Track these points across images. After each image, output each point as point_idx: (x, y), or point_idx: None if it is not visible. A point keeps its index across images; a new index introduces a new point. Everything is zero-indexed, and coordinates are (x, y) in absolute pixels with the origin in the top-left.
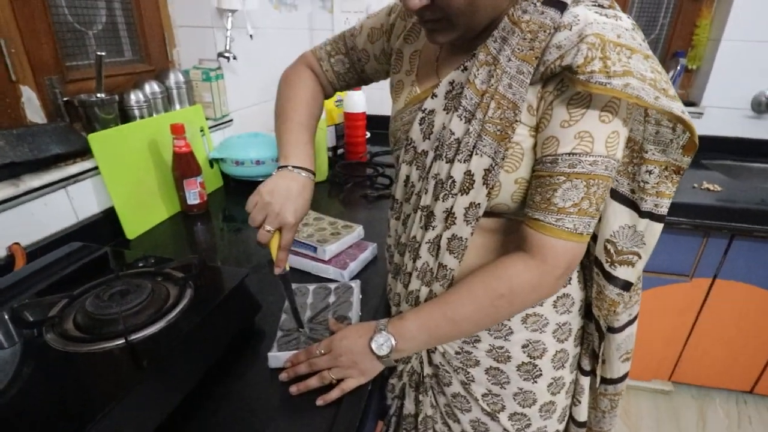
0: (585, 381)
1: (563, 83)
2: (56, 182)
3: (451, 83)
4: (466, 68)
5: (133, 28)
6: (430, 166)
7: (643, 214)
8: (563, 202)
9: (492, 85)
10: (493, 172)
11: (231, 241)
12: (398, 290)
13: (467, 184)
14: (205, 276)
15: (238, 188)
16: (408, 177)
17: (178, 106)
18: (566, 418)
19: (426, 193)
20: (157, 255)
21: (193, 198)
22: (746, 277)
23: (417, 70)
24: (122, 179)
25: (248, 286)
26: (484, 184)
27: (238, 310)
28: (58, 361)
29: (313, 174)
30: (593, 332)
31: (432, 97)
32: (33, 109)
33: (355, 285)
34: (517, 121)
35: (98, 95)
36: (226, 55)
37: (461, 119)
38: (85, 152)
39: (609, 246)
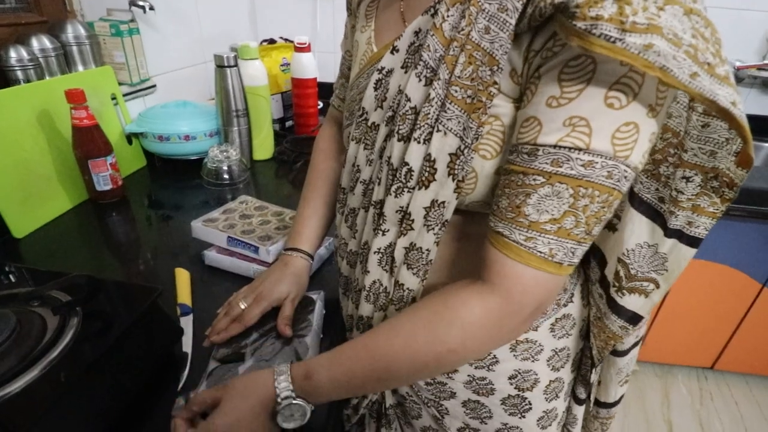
0: (579, 410)
1: (556, 39)
2: None
3: (417, 33)
4: (436, 12)
5: None
6: (383, 147)
7: (669, 233)
8: (537, 213)
9: (463, 29)
10: (462, 157)
11: (161, 232)
12: (350, 311)
13: (426, 174)
14: (101, 298)
15: (166, 168)
16: (355, 159)
17: (81, 68)
18: None
19: (379, 184)
20: (51, 259)
21: (103, 183)
22: (713, 255)
23: (374, 24)
24: (1, 162)
25: (163, 307)
26: (449, 174)
27: (146, 341)
28: None
29: (305, 254)
30: (590, 357)
31: (392, 52)
32: None
33: (317, 297)
34: (495, 83)
35: None
36: (140, 3)
37: (420, 79)
38: None
39: (619, 267)
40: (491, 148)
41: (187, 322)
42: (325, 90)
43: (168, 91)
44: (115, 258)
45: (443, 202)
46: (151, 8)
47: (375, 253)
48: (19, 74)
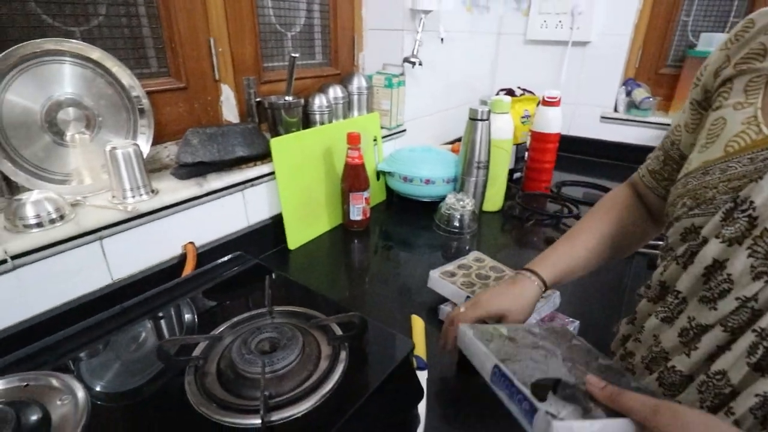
0: None
1: None
2: (236, 185)
3: None
4: None
5: (327, 31)
6: None
7: None
8: None
9: None
10: None
11: (391, 265)
12: None
13: None
14: (365, 338)
15: (402, 205)
16: (720, 264)
17: (356, 113)
18: None
19: None
20: (309, 271)
21: (356, 213)
22: None
23: (761, 101)
24: (294, 187)
25: (413, 362)
26: None
27: (395, 393)
28: (184, 422)
29: (539, 278)
30: None
31: None
32: (229, 108)
33: (574, 326)
34: None
35: (287, 98)
36: (412, 60)
37: None
38: (266, 155)
39: None
40: None
41: (422, 378)
42: (564, 144)
43: (414, 135)
44: (353, 282)
45: None
46: (420, 63)
47: (756, 396)
48: (317, 117)
